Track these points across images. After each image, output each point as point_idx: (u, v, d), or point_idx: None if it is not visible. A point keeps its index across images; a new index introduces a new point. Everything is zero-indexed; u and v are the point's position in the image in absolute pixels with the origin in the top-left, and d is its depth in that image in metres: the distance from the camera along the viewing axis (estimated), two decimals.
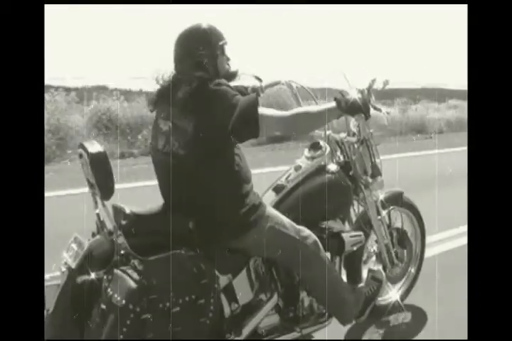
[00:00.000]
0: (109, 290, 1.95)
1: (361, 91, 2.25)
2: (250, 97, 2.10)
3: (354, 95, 2.20)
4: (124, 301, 1.89)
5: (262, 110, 2.07)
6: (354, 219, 2.83)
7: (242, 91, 2.51)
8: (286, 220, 2.32)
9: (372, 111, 2.25)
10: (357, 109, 2.17)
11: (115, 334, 1.89)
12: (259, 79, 2.74)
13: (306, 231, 2.36)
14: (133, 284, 1.92)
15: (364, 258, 2.87)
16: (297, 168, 2.60)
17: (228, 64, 2.25)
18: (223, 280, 2.21)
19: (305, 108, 2.23)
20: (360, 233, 2.63)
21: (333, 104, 2.16)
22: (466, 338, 1.78)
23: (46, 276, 2.05)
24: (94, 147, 2.01)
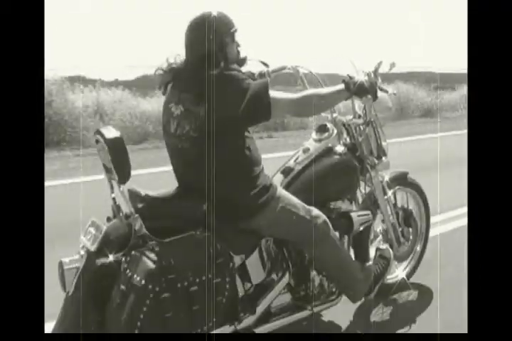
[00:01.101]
0: (128, 271, 2.01)
1: (368, 74, 2.31)
2: (261, 81, 2.16)
3: (361, 78, 2.26)
4: (143, 281, 1.95)
5: (273, 93, 2.12)
6: (360, 199, 2.89)
7: (250, 77, 2.55)
8: (296, 201, 2.37)
9: (379, 93, 2.30)
10: (364, 90, 2.24)
11: (136, 313, 1.96)
12: (266, 65, 2.78)
13: (316, 211, 2.41)
14: (152, 265, 1.98)
15: (371, 237, 2.93)
16: (305, 150, 2.66)
17: (238, 50, 2.29)
18: (236, 260, 2.27)
19: (314, 90, 2.29)
20: (368, 212, 2.69)
21: (342, 86, 2.22)
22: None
23: (66, 260, 2.10)
24: (111, 132, 2.06)
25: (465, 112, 12.17)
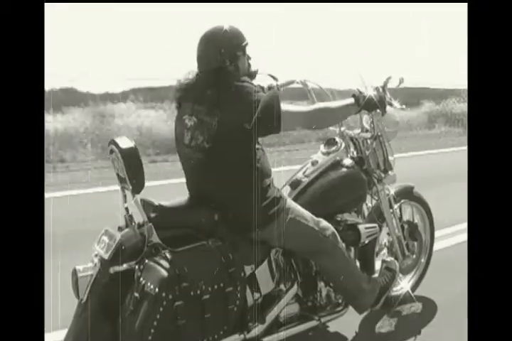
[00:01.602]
0: (141, 279, 2.04)
1: (376, 89, 2.37)
2: (272, 93, 2.21)
3: (370, 92, 2.33)
4: (157, 289, 1.99)
5: (284, 106, 2.18)
6: (366, 212, 2.94)
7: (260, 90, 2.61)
8: (305, 212, 2.42)
9: (388, 107, 2.37)
10: (373, 105, 2.31)
11: (149, 320, 1.99)
12: (275, 78, 2.84)
13: (324, 223, 2.46)
14: (165, 273, 2.02)
15: (376, 250, 2.97)
16: (314, 163, 2.71)
17: (249, 63, 2.35)
18: (246, 270, 2.31)
19: (325, 103, 2.35)
20: (375, 225, 2.73)
21: (351, 100, 2.29)
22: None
23: (79, 267, 2.13)
24: (126, 143, 2.11)
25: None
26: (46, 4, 1.96)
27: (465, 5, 1.98)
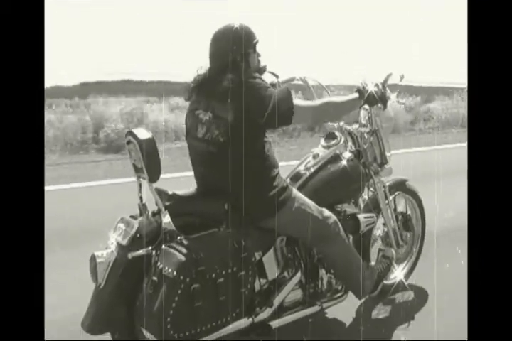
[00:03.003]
0: (159, 263, 2.15)
1: (377, 85, 2.51)
2: (284, 89, 2.33)
3: (371, 88, 2.47)
4: (175, 273, 2.09)
5: (294, 100, 2.30)
6: (362, 203, 3.07)
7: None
8: (309, 201, 2.54)
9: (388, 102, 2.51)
10: (376, 100, 2.44)
11: (168, 302, 2.10)
12: (276, 76, 2.95)
13: (327, 212, 2.58)
14: (182, 257, 2.12)
15: (371, 240, 3.11)
16: (315, 156, 2.84)
17: (259, 60, 2.47)
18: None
19: (331, 98, 2.48)
20: (373, 215, 2.87)
21: (356, 95, 2.42)
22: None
23: (98, 253, 2.22)
24: (144, 134, 2.21)
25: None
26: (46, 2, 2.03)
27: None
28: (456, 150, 7.76)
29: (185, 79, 2.57)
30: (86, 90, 16.34)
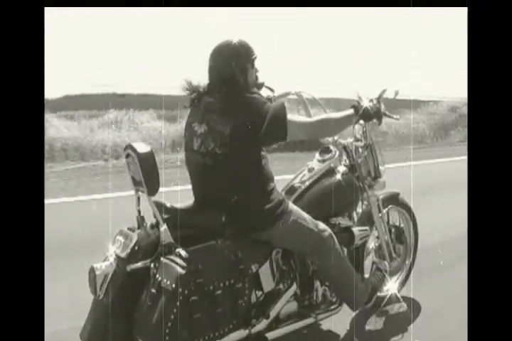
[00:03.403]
0: (157, 276, 2.18)
1: (372, 100, 2.57)
2: (279, 104, 2.38)
3: (366, 104, 2.52)
4: (173, 285, 2.12)
5: (290, 116, 2.35)
6: (356, 216, 3.12)
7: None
8: (305, 214, 2.58)
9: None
10: (371, 115, 2.49)
11: (166, 314, 2.12)
12: (272, 90, 3.00)
13: (322, 225, 2.63)
14: (181, 269, 2.15)
15: (365, 253, 3.15)
16: (310, 170, 2.88)
17: (257, 75, 2.52)
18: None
19: (326, 115, 2.53)
20: (367, 228, 2.92)
21: (351, 110, 2.47)
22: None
23: (97, 265, 2.25)
24: (143, 147, 2.25)
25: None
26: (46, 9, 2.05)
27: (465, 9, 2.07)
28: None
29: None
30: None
